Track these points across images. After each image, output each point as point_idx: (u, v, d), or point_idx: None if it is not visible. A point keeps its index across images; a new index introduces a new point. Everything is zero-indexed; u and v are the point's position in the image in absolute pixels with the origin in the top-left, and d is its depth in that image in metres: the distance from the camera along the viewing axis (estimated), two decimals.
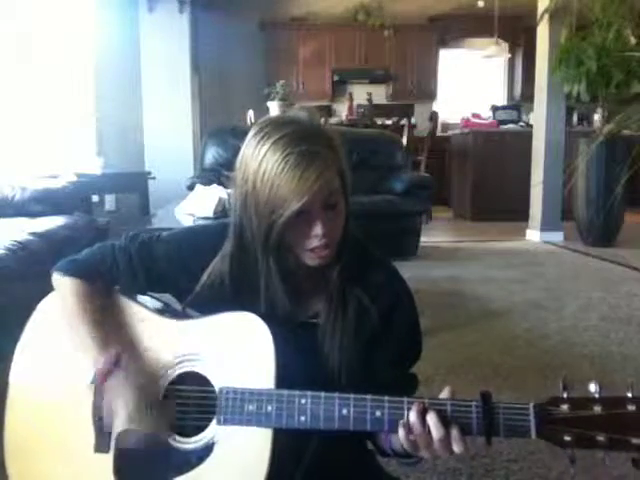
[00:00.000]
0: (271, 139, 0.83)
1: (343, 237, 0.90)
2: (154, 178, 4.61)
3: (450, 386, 0.83)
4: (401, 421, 0.80)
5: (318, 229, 0.84)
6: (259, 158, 0.83)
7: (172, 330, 0.94)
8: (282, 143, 0.82)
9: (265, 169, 0.82)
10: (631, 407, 0.73)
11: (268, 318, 0.88)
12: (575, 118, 6.96)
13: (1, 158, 3.65)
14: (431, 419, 0.78)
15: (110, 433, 0.92)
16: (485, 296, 3.15)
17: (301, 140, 0.82)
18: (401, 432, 0.80)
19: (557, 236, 5.02)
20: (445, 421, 0.78)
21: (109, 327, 0.95)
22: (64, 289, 0.98)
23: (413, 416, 0.79)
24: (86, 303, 0.96)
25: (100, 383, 0.90)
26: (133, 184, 4.53)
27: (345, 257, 0.92)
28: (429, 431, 0.78)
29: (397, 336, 0.96)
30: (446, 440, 0.78)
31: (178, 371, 0.92)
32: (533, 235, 5.13)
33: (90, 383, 0.92)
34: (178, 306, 1.00)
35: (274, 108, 4.14)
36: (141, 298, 1.02)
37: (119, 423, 0.88)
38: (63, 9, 4.40)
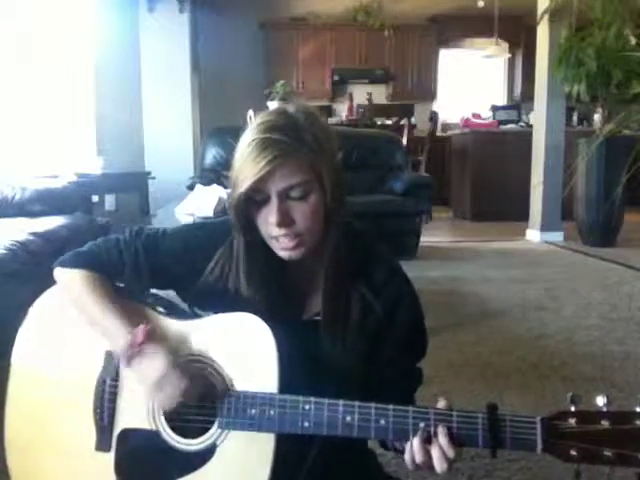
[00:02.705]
0: (252, 125, 0.88)
1: (327, 234, 0.90)
2: (154, 178, 4.61)
3: (445, 400, 0.82)
4: (406, 446, 0.80)
5: (272, 217, 0.86)
6: (240, 143, 0.88)
7: (174, 330, 0.94)
8: (257, 130, 0.86)
9: (238, 152, 0.87)
10: (639, 422, 0.72)
11: (272, 317, 0.88)
12: (575, 118, 6.95)
13: (1, 158, 3.65)
14: (434, 451, 0.78)
15: (112, 432, 0.92)
16: (485, 296, 3.15)
17: (272, 129, 0.85)
18: (407, 457, 0.81)
19: (557, 236, 5.02)
20: (449, 447, 0.78)
21: (126, 306, 0.95)
22: (70, 280, 0.97)
23: (416, 444, 0.79)
24: (98, 287, 0.96)
25: (136, 349, 0.89)
26: (133, 184, 4.52)
27: (336, 253, 0.91)
28: (430, 456, 0.78)
29: (401, 332, 0.95)
30: (447, 460, 0.78)
31: None
32: (533, 235, 5.13)
33: (115, 360, 0.92)
34: (182, 303, 1.00)
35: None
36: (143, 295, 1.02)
37: (146, 392, 0.89)
38: (63, 9, 4.40)
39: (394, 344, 0.95)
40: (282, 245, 0.88)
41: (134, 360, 0.89)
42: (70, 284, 0.97)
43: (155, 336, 0.91)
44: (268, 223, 0.87)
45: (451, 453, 0.77)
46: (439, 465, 0.78)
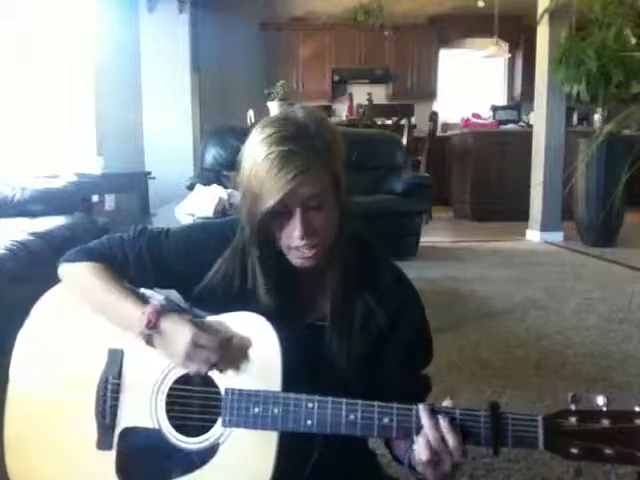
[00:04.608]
0: (262, 136, 0.85)
1: (338, 238, 0.90)
2: (154, 178, 4.61)
3: (449, 399, 0.82)
4: (417, 428, 0.80)
5: (296, 229, 0.85)
6: (249, 155, 0.86)
7: None
8: (269, 141, 0.84)
9: (252, 165, 0.85)
10: (639, 421, 0.73)
11: (275, 319, 0.88)
12: (575, 118, 6.95)
13: (1, 158, 3.65)
14: (443, 424, 0.78)
15: (113, 430, 0.92)
16: (485, 296, 3.15)
17: (286, 140, 0.83)
18: (421, 441, 0.79)
19: (557, 236, 5.02)
20: (455, 426, 0.78)
21: (135, 290, 0.95)
22: (77, 272, 0.97)
23: (425, 421, 0.79)
24: (106, 276, 0.95)
25: (153, 326, 0.88)
26: (133, 184, 4.53)
27: (344, 258, 0.92)
28: (444, 438, 0.78)
29: (405, 338, 0.95)
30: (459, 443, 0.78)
31: (183, 370, 0.91)
32: (533, 235, 5.13)
33: (138, 333, 0.90)
34: (183, 303, 1.00)
35: (274, 108, 4.14)
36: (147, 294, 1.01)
37: (174, 363, 0.89)
38: (63, 9, 4.39)
39: (399, 350, 0.95)
40: (301, 254, 0.88)
41: (155, 339, 0.89)
42: (77, 276, 0.97)
43: (168, 310, 0.90)
44: (290, 235, 0.86)
45: (453, 441, 0.77)
46: (452, 440, 0.78)
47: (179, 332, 0.87)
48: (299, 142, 0.83)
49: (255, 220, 0.87)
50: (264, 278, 0.91)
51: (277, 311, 0.91)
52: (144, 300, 0.93)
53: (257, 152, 0.85)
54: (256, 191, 0.84)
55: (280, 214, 0.86)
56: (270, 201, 0.83)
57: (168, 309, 0.91)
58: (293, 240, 0.86)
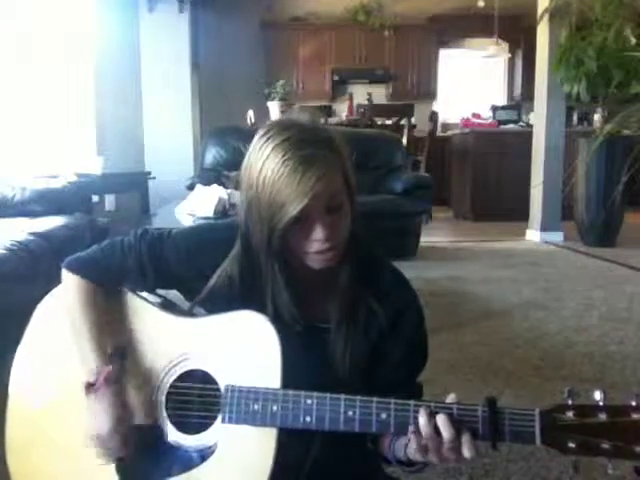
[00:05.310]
0: (272, 143, 0.83)
1: (349, 239, 0.90)
2: (154, 178, 4.61)
3: (454, 393, 0.82)
4: (410, 426, 0.80)
5: (319, 233, 0.84)
6: (261, 163, 0.84)
7: (178, 327, 0.94)
8: (282, 147, 0.82)
9: (266, 174, 0.83)
10: (635, 416, 0.73)
11: (276, 319, 0.88)
12: (575, 118, 6.95)
13: (1, 158, 3.65)
14: (440, 420, 0.78)
15: None
16: (485, 296, 3.15)
17: (301, 144, 0.82)
18: (412, 437, 0.80)
19: (557, 236, 5.02)
20: (454, 423, 0.78)
21: (109, 329, 0.96)
22: (71, 286, 0.98)
23: (422, 419, 0.79)
24: (89, 305, 0.96)
25: (93, 389, 0.90)
26: (133, 184, 4.52)
27: (353, 259, 0.92)
28: (438, 433, 0.78)
29: (404, 339, 0.96)
30: (456, 442, 0.78)
31: (184, 368, 0.92)
32: (533, 235, 5.14)
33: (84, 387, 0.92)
34: (185, 304, 1.00)
35: (274, 108, 4.14)
36: (147, 295, 1.01)
37: (86, 434, 0.90)
38: (63, 9, 4.39)
39: (398, 351, 0.96)
40: (323, 257, 0.87)
41: (90, 399, 0.90)
42: (69, 291, 0.98)
43: (112, 384, 0.91)
44: (312, 240, 0.85)
45: (449, 434, 0.77)
46: (446, 434, 0.77)
47: (103, 413, 0.89)
48: (312, 146, 0.83)
49: (277, 229, 0.84)
50: (286, 287, 0.89)
51: (281, 314, 0.90)
52: (107, 343, 0.93)
53: (271, 160, 0.82)
54: (277, 200, 0.82)
55: (299, 220, 0.83)
56: (296, 207, 0.81)
57: (114, 379, 0.91)
58: (314, 244, 0.85)
